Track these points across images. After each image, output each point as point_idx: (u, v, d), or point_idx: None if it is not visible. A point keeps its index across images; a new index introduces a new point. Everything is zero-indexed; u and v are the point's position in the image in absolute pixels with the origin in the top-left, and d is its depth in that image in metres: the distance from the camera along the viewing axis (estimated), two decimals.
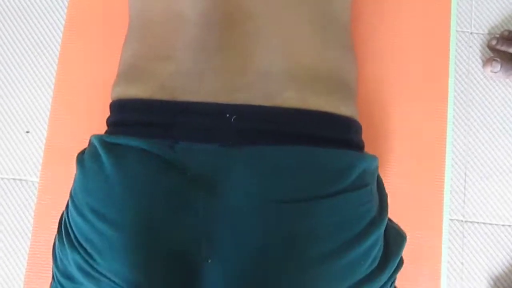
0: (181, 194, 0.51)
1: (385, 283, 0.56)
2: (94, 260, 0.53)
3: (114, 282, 0.52)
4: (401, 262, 0.59)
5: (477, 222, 0.81)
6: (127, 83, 0.58)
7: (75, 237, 0.55)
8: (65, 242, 0.56)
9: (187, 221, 0.51)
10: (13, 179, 0.83)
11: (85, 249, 0.53)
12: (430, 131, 0.81)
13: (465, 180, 0.81)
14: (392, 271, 0.57)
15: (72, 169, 0.61)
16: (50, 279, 0.72)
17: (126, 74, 0.59)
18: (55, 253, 0.60)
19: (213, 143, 0.52)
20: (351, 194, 0.53)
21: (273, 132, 0.52)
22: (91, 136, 0.59)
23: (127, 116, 0.57)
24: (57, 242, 0.59)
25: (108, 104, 0.62)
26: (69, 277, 0.56)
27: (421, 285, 0.79)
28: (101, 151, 0.55)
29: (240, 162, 0.51)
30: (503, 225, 0.79)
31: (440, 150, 0.80)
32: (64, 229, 0.57)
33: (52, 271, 0.61)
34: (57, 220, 0.63)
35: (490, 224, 0.80)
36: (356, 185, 0.54)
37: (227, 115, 0.52)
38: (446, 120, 0.80)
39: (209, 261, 0.50)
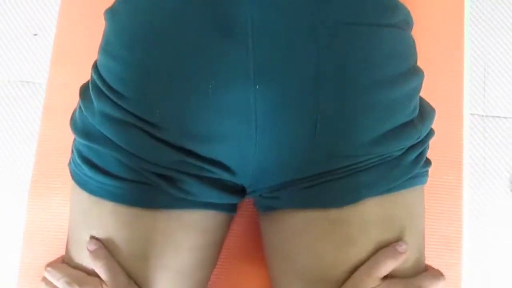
0: (230, 18, 0.48)
1: (423, 141, 0.55)
2: (125, 99, 0.50)
3: (143, 120, 0.50)
4: (432, 131, 0.58)
5: (498, 117, 0.79)
6: None
7: (105, 85, 0.52)
8: (92, 96, 0.53)
9: (235, 46, 0.48)
10: (21, 81, 0.80)
11: (115, 92, 0.51)
12: (448, 24, 0.79)
13: (484, 76, 0.79)
14: (427, 132, 0.55)
15: (80, 71, 0.59)
16: (56, 177, 0.70)
17: None
18: (74, 119, 0.57)
19: None
20: (400, 32, 0.53)
21: None
22: None
23: None
24: (79, 106, 0.56)
25: None
26: (88, 134, 0.53)
27: (444, 181, 0.76)
28: None
29: None
30: None
31: (458, 44, 0.79)
32: (92, 85, 0.54)
33: (72, 148, 0.58)
34: (66, 118, 0.60)
35: None
36: (403, 26, 0.54)
37: None
38: (464, 13, 0.79)
39: (258, 87, 0.48)
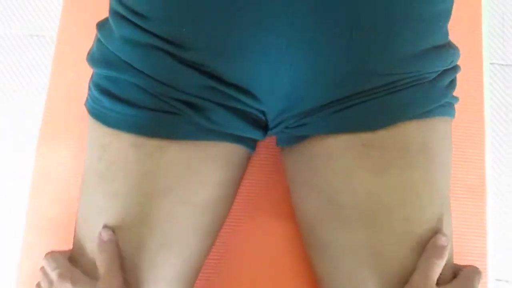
0: None
1: (455, 67, 0.52)
2: (149, 20, 0.48)
3: (168, 41, 0.47)
4: (458, 66, 0.56)
5: None
6: None
7: (127, 8, 0.49)
8: (111, 24, 0.51)
9: None
10: (30, 35, 0.79)
11: (138, 14, 0.48)
12: None
13: (502, 24, 0.78)
14: (457, 60, 0.53)
15: (91, 23, 0.58)
16: (64, 130, 0.68)
17: None
18: (91, 53, 0.54)
19: None
20: None
21: None
22: None
23: None
24: (97, 38, 0.54)
25: None
26: (107, 63, 0.51)
27: (466, 130, 0.74)
28: None
29: None
30: None
31: None
32: (111, 13, 0.50)
33: (89, 85, 0.56)
34: (75, 70, 0.58)
35: None
36: None
37: None
38: None
39: None
